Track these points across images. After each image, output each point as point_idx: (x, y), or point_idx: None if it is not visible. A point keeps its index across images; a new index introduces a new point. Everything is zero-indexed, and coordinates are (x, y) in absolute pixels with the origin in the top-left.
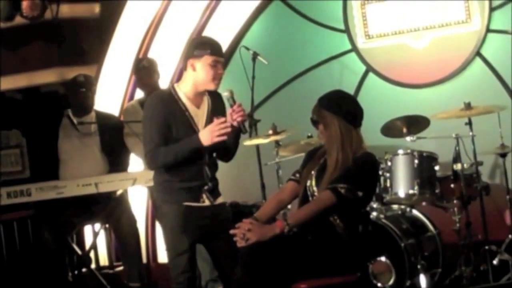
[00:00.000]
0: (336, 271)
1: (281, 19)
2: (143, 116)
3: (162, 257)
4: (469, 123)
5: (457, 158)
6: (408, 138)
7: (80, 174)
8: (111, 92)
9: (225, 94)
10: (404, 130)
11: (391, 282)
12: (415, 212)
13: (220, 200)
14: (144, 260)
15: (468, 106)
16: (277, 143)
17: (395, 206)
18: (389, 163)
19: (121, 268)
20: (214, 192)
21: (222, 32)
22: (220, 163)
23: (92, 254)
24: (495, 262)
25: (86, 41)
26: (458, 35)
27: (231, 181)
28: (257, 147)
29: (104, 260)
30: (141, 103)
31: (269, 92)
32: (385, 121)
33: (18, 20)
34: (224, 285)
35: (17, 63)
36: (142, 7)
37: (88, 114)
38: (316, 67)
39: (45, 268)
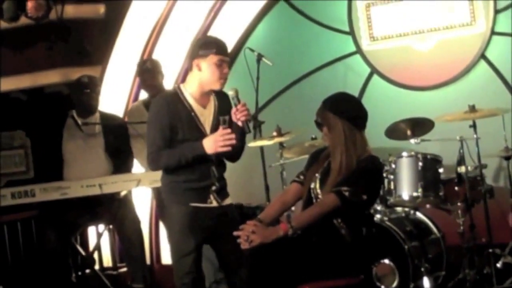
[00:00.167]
0: (339, 273)
1: (285, 21)
2: (148, 117)
3: (166, 258)
4: (474, 126)
5: (461, 161)
6: (412, 141)
7: (84, 175)
8: (115, 93)
9: (230, 93)
10: (409, 132)
11: (394, 284)
12: (419, 214)
13: (228, 200)
14: (148, 261)
15: (472, 108)
16: (281, 144)
17: (399, 209)
18: (393, 166)
19: (124, 269)
20: (222, 193)
21: (226, 34)
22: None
23: (96, 255)
24: (499, 265)
25: (90, 41)
26: (462, 38)
27: (235, 182)
28: (261, 148)
29: (107, 261)
30: (146, 104)
31: (273, 94)
32: (389, 123)
33: (23, 20)
34: (230, 286)
35: (21, 63)
36: (146, 8)
37: (92, 115)
38: (321, 69)
39: (48, 269)
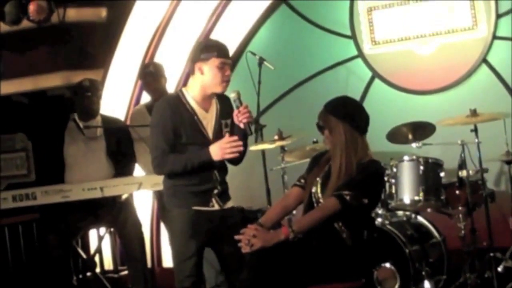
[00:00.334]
0: (341, 277)
1: (287, 25)
2: (151, 121)
3: (167, 261)
4: (475, 130)
5: (462, 165)
6: (413, 145)
7: (86, 178)
8: (117, 96)
9: (232, 96)
10: (410, 136)
11: None
12: (420, 218)
13: (229, 204)
14: (149, 264)
15: (474, 112)
16: (282, 148)
17: (400, 213)
18: (394, 169)
19: (125, 272)
20: (224, 196)
21: (228, 37)
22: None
23: (97, 258)
24: (499, 269)
25: (92, 45)
26: (464, 42)
27: (237, 186)
28: (263, 152)
29: (109, 264)
30: (148, 107)
31: (275, 98)
32: (391, 127)
33: (25, 23)
34: None
35: (23, 66)
36: (148, 11)
37: (94, 118)
38: (322, 73)
39: (50, 271)
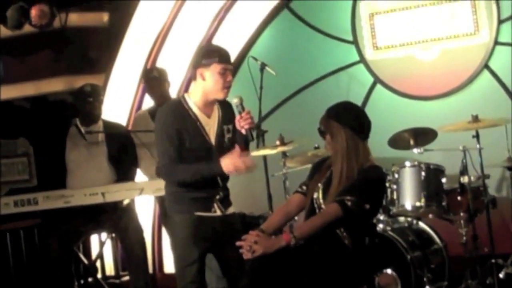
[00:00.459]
0: (342, 283)
1: (289, 30)
2: (156, 128)
3: (169, 267)
4: (477, 136)
5: (464, 171)
6: (415, 150)
7: (87, 183)
8: (119, 101)
9: (234, 101)
10: (412, 142)
11: None
12: (421, 224)
13: (231, 209)
14: (151, 270)
15: (475, 118)
16: (284, 154)
17: (401, 218)
18: (396, 175)
19: (127, 277)
20: (225, 202)
21: (230, 43)
22: None
23: (98, 264)
24: (501, 275)
25: (94, 50)
26: (466, 48)
27: (238, 191)
28: (264, 157)
29: (110, 270)
30: (151, 112)
31: (276, 103)
32: (392, 133)
33: (27, 28)
34: None
35: (25, 71)
36: (150, 16)
37: (95, 123)
38: (324, 78)
39: (51, 277)
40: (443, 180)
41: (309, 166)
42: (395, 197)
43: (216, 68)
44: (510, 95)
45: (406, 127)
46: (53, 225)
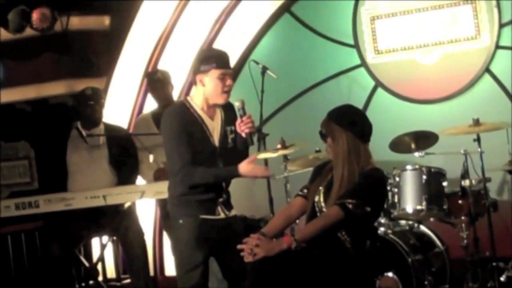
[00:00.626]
0: (343, 286)
1: (290, 34)
2: (164, 132)
3: (170, 270)
4: (478, 139)
5: (465, 174)
6: (416, 154)
7: (88, 186)
8: (120, 104)
9: (236, 104)
10: (413, 145)
11: None
12: (422, 228)
13: (232, 212)
14: (152, 273)
15: (476, 122)
16: (285, 157)
17: (402, 222)
18: (397, 179)
19: (128, 280)
20: (228, 205)
21: (231, 46)
22: None
23: (99, 267)
24: (502, 278)
25: (95, 53)
26: (467, 51)
27: (239, 195)
28: (266, 161)
29: (111, 273)
30: (154, 115)
31: (278, 106)
32: (393, 137)
33: (28, 32)
34: None
35: (26, 74)
36: (152, 20)
37: (96, 126)
38: (325, 82)
39: (52, 280)
40: (444, 183)
41: (310, 169)
42: (396, 200)
43: (214, 73)
44: (511, 99)
45: (407, 130)
46: (54, 228)
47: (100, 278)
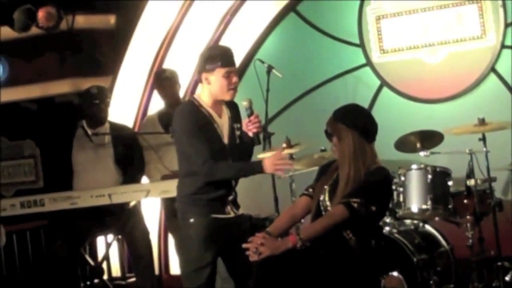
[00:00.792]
0: (348, 285)
1: (296, 33)
2: (179, 131)
3: (175, 268)
4: (483, 139)
5: (470, 174)
6: (421, 153)
7: (94, 185)
8: (125, 103)
9: (244, 104)
10: (418, 145)
11: None
12: (428, 227)
13: (240, 211)
14: (157, 271)
15: (482, 121)
16: (290, 156)
17: (408, 221)
18: (402, 178)
19: (133, 279)
20: (236, 203)
21: (237, 45)
22: None
23: (104, 265)
24: (507, 278)
25: (101, 52)
26: (473, 51)
27: (244, 194)
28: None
29: (116, 271)
30: (160, 115)
31: (283, 105)
32: (399, 136)
33: (34, 30)
34: None
35: (32, 73)
36: (157, 19)
37: (102, 125)
38: (331, 81)
39: (57, 278)
40: (450, 183)
41: (316, 168)
42: (401, 199)
43: (219, 72)
44: None
45: (413, 130)
46: (59, 226)
47: (105, 277)
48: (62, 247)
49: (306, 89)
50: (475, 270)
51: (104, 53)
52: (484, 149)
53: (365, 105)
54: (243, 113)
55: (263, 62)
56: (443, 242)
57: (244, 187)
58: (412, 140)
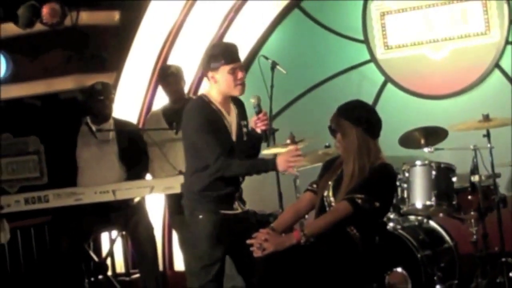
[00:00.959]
0: (352, 281)
1: (300, 29)
2: (190, 128)
3: (179, 264)
4: (487, 135)
5: (474, 170)
6: (426, 149)
7: (98, 181)
8: (130, 99)
9: (252, 101)
10: (422, 141)
11: None
12: (432, 223)
13: (247, 206)
14: (161, 267)
15: (486, 118)
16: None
17: (412, 217)
18: (406, 174)
19: (137, 275)
20: (242, 199)
21: (241, 41)
22: None
23: (108, 261)
24: (511, 274)
25: (105, 48)
26: (477, 47)
27: (249, 190)
28: (275, 156)
29: (120, 267)
30: (165, 111)
31: (287, 102)
32: (403, 132)
33: (38, 27)
34: None
35: (36, 69)
36: (161, 15)
37: (106, 121)
38: (335, 77)
39: (61, 274)
40: (454, 179)
41: (320, 164)
42: (405, 195)
43: (224, 69)
44: None
45: (417, 126)
46: (63, 222)
47: (109, 273)
48: (66, 243)
49: (310, 85)
50: (479, 266)
51: (109, 50)
52: (489, 145)
53: (369, 101)
54: (248, 110)
55: (267, 59)
56: (447, 238)
57: (248, 183)
58: (416, 136)
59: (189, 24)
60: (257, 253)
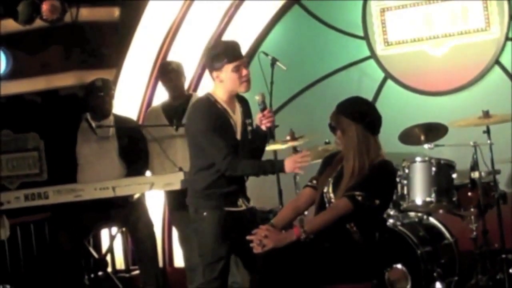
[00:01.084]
0: (352, 278)
1: (300, 25)
2: (197, 127)
3: (179, 261)
4: (487, 131)
5: (474, 166)
6: (426, 146)
7: (98, 177)
8: (129, 96)
9: (256, 98)
10: (422, 137)
11: None
12: (432, 219)
13: (251, 203)
14: (161, 264)
15: (486, 114)
16: (294, 149)
17: (412, 214)
18: (406, 171)
19: (137, 272)
20: (246, 196)
21: (241, 38)
22: None
23: (108, 258)
24: (511, 270)
25: (105, 44)
26: (477, 43)
27: (249, 186)
28: (275, 152)
29: (120, 264)
30: (164, 107)
31: (287, 98)
32: (403, 128)
33: (38, 23)
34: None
35: (36, 66)
36: (161, 11)
37: (106, 118)
38: (335, 74)
39: (61, 271)
40: (454, 175)
41: (320, 161)
42: (405, 192)
43: (228, 68)
44: None
45: (417, 122)
46: (63, 219)
47: (109, 270)
48: (66, 239)
49: (310, 82)
50: (479, 263)
51: (108, 46)
52: (489, 141)
53: (369, 97)
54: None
55: (267, 55)
56: (447, 234)
57: (249, 180)
58: (416, 132)
59: (189, 21)
60: (257, 250)
